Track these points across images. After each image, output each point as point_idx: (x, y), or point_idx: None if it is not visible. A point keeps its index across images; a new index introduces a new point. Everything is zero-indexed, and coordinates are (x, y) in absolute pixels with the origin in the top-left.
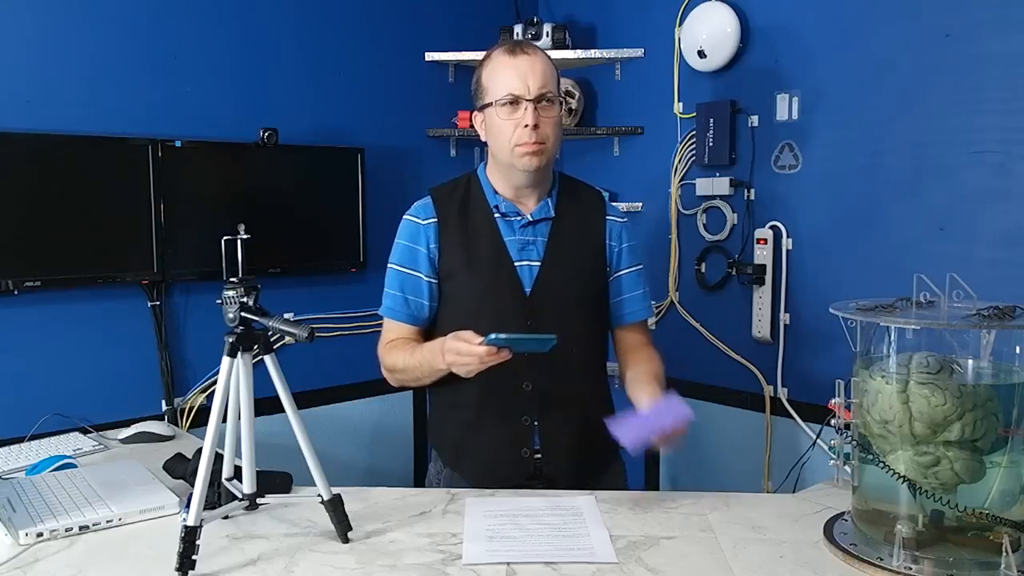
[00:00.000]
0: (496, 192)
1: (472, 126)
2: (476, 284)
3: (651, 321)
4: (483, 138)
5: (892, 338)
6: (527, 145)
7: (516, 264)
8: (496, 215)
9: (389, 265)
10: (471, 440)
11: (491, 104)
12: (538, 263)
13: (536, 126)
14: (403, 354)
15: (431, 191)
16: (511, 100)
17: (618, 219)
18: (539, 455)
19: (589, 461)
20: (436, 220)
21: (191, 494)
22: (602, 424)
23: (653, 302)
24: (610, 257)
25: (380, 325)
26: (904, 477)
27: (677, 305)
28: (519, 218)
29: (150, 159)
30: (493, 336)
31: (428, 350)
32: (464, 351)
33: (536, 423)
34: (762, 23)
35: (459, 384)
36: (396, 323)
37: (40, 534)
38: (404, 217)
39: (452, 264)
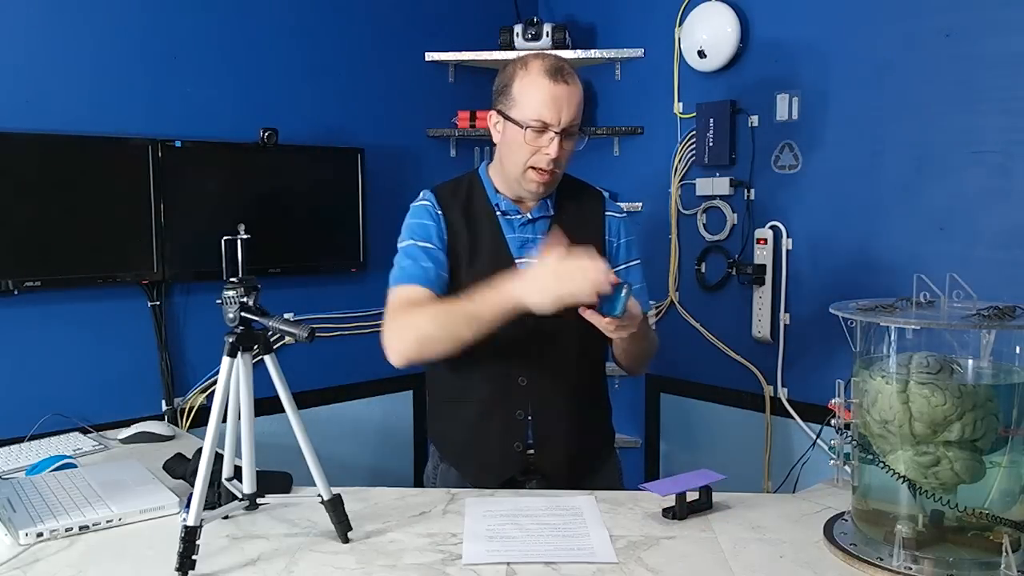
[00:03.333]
0: (497, 191)
1: (477, 124)
2: (478, 280)
3: (651, 319)
4: (495, 139)
5: (892, 338)
6: (541, 172)
7: (517, 261)
8: (497, 213)
9: (405, 243)
10: (467, 435)
11: (516, 122)
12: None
13: (556, 158)
14: (435, 308)
15: (434, 188)
16: (540, 128)
17: (617, 214)
18: (532, 450)
19: (583, 457)
20: (442, 212)
21: (191, 494)
22: (597, 421)
23: (653, 302)
24: (609, 252)
25: (381, 324)
26: (904, 477)
27: (677, 305)
28: (519, 216)
29: (150, 159)
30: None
31: (478, 297)
32: (593, 265)
33: (530, 418)
34: (762, 23)
35: (456, 379)
36: (419, 288)
37: (40, 534)
38: (417, 203)
39: (454, 259)
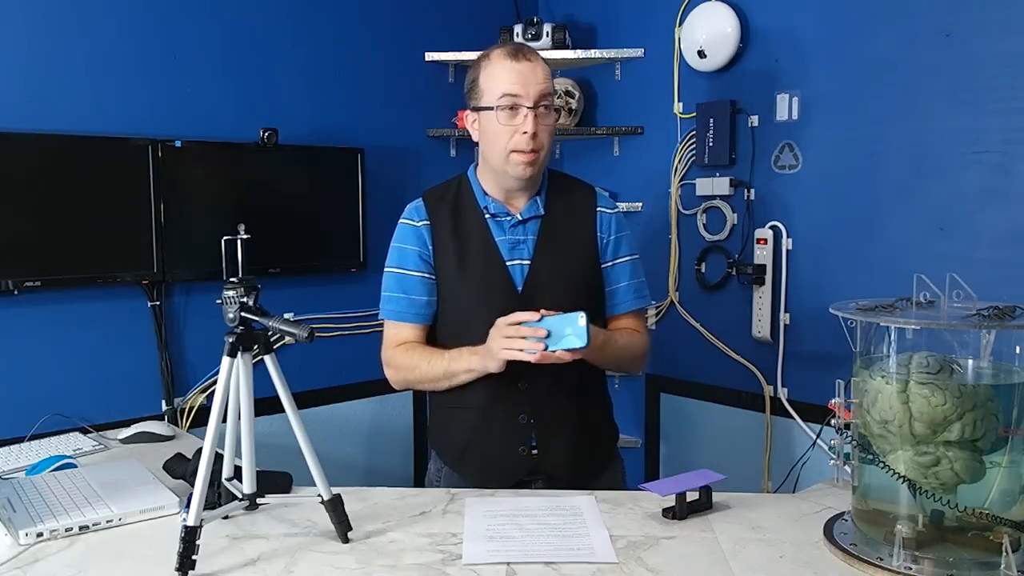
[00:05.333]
0: (485, 193)
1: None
2: (469, 284)
3: (651, 318)
4: (475, 138)
5: (892, 338)
6: (523, 153)
7: (508, 263)
8: (486, 216)
9: (387, 269)
10: (471, 440)
11: (487, 107)
12: (528, 261)
13: (535, 134)
14: (420, 358)
15: (424, 193)
16: (511, 105)
17: (609, 210)
18: (536, 451)
19: (587, 458)
20: (429, 222)
21: (191, 494)
22: (599, 421)
23: (654, 302)
24: (602, 249)
25: (381, 325)
26: (904, 477)
27: (677, 305)
28: (508, 218)
29: (150, 159)
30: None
31: (453, 357)
32: (511, 321)
33: (532, 420)
34: (762, 23)
35: (457, 387)
36: (403, 324)
37: (40, 534)
38: (400, 222)
39: (445, 265)
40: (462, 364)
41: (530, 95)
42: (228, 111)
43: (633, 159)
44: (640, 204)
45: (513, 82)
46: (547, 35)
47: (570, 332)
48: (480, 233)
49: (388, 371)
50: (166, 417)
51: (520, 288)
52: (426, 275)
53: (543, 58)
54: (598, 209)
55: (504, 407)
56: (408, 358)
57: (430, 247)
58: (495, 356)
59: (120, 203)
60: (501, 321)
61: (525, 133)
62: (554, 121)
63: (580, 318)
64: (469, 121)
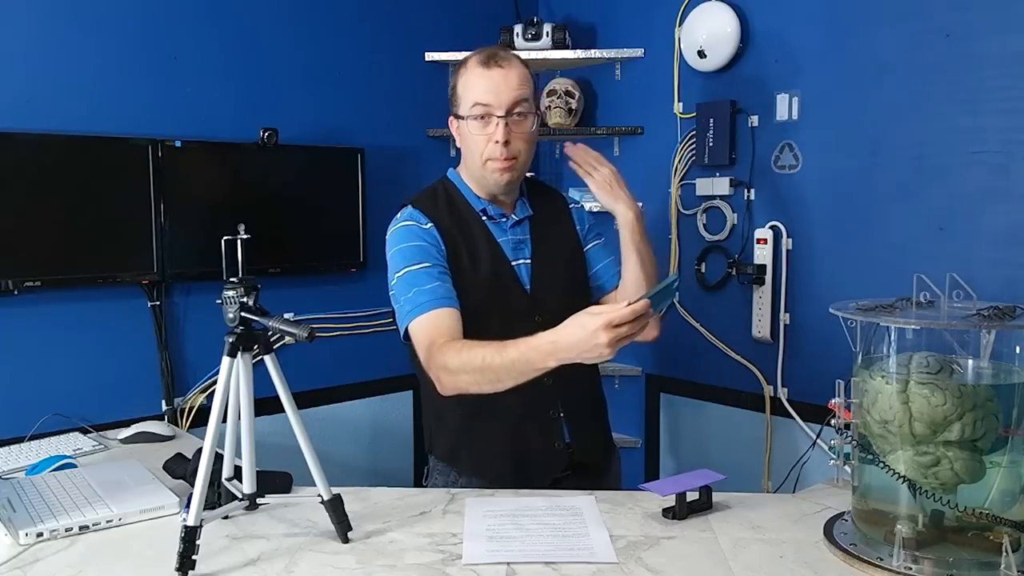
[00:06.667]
0: (479, 197)
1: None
2: (480, 287)
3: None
4: (458, 144)
5: (892, 338)
6: (498, 160)
7: (513, 264)
8: (484, 218)
9: (401, 272)
10: (508, 446)
11: (463, 116)
12: (530, 260)
13: (507, 142)
14: (484, 351)
15: (411, 202)
16: (481, 115)
17: (576, 205)
18: (569, 444)
19: (607, 447)
20: (434, 224)
21: (191, 494)
22: (604, 414)
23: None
24: (581, 240)
25: (381, 324)
26: (904, 477)
27: (677, 305)
28: (505, 219)
29: (150, 159)
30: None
31: (529, 347)
32: (619, 318)
33: (562, 415)
34: (762, 23)
35: (484, 395)
36: (444, 312)
37: (40, 534)
38: (399, 226)
39: (456, 268)
40: (538, 359)
41: (502, 104)
42: (228, 111)
43: (633, 159)
44: (640, 204)
45: (484, 90)
46: (547, 35)
47: (664, 293)
48: (483, 235)
49: (444, 377)
50: (166, 417)
51: (528, 287)
52: (447, 271)
53: (521, 60)
54: (571, 207)
55: (536, 405)
56: (466, 356)
57: (444, 247)
58: (602, 356)
59: (120, 203)
60: (605, 323)
61: (497, 142)
62: (531, 125)
63: (674, 282)
64: (452, 127)
